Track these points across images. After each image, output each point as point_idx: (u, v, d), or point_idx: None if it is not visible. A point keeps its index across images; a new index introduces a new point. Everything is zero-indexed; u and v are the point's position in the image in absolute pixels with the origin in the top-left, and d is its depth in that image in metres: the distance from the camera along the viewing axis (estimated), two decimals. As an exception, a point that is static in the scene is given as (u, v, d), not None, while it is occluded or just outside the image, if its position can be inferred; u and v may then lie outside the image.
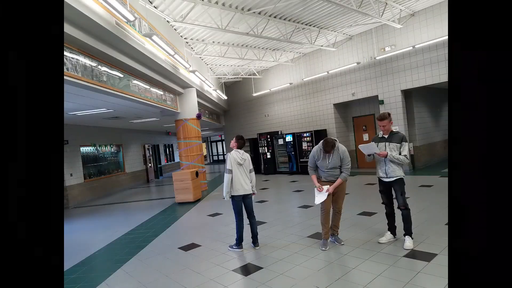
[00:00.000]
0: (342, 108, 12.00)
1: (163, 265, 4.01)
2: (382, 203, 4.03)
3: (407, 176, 7.70)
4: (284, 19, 8.54)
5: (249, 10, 7.45)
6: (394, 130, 3.88)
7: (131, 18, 4.70)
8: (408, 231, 3.77)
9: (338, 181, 3.91)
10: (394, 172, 3.74)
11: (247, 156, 4.32)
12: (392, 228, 4.02)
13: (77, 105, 7.03)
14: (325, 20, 9.00)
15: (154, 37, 5.67)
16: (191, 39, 9.25)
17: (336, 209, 4.09)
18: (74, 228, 6.86)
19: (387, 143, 3.79)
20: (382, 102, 10.16)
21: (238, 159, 4.18)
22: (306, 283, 3.12)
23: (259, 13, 7.74)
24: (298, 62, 12.61)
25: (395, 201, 3.87)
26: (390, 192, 3.94)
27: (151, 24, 6.50)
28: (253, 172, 4.35)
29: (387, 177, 3.80)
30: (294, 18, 8.59)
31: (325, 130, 11.79)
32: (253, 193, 4.33)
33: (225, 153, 20.56)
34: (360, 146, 3.86)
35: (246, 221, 4.31)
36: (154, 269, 3.92)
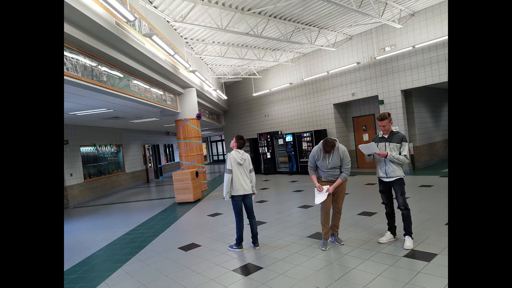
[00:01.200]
0: (342, 108, 12.00)
1: (163, 265, 4.01)
2: (382, 203, 4.03)
3: (407, 176, 7.70)
4: (284, 19, 8.54)
5: (249, 10, 7.46)
6: (394, 130, 3.88)
7: (131, 18, 4.70)
8: (408, 231, 3.77)
9: (338, 181, 3.91)
10: (394, 172, 3.74)
11: (247, 156, 4.32)
12: (392, 228, 4.02)
13: (77, 105, 7.03)
14: (325, 20, 9.00)
15: (154, 37, 5.67)
16: (191, 39, 9.25)
17: (336, 209, 4.09)
18: (74, 228, 6.86)
19: (387, 143, 3.79)
20: (382, 102, 10.16)
21: (238, 159, 4.18)
22: (306, 283, 3.12)
23: (259, 13, 7.74)
24: (298, 62, 12.61)
25: (395, 201, 3.88)
26: (390, 192, 3.94)
27: (151, 24, 6.50)
28: (253, 172, 4.35)
29: (387, 177, 3.81)
30: (294, 18, 8.59)
31: (325, 130, 11.79)
32: (253, 193, 4.33)
33: (225, 153, 20.56)
34: (360, 146, 3.86)
35: (246, 221, 4.31)
36: (154, 269, 3.92)
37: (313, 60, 12.04)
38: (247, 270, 3.62)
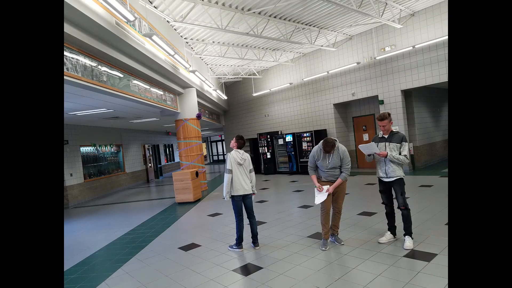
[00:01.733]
0: (342, 108, 12.00)
1: (163, 265, 4.01)
2: (382, 203, 4.03)
3: (407, 176, 7.70)
4: (284, 19, 8.54)
5: (249, 10, 7.46)
6: (394, 130, 3.88)
7: (131, 18, 4.70)
8: (408, 231, 3.77)
9: (338, 181, 3.91)
10: (394, 172, 3.74)
11: (247, 156, 4.32)
12: (392, 228, 4.02)
13: (77, 105, 7.03)
14: (325, 20, 9.00)
15: (154, 37, 5.67)
16: (191, 39, 9.25)
17: (336, 209, 4.09)
18: (74, 228, 6.86)
19: (387, 143, 3.79)
20: (382, 102, 10.16)
21: (238, 159, 4.18)
22: (306, 283, 3.12)
23: (259, 13, 7.74)
24: (298, 62, 12.61)
25: (395, 201, 3.88)
26: (390, 192, 3.94)
27: (151, 24, 6.50)
28: (253, 172, 4.35)
29: (387, 177, 3.81)
30: (294, 18, 8.59)
31: (325, 130, 11.80)
32: (253, 193, 4.33)
33: (225, 153, 20.56)
34: (360, 146, 3.86)
35: (246, 221, 4.31)
36: (154, 269, 3.92)
37: (313, 60, 12.04)
38: (247, 270, 3.62)
